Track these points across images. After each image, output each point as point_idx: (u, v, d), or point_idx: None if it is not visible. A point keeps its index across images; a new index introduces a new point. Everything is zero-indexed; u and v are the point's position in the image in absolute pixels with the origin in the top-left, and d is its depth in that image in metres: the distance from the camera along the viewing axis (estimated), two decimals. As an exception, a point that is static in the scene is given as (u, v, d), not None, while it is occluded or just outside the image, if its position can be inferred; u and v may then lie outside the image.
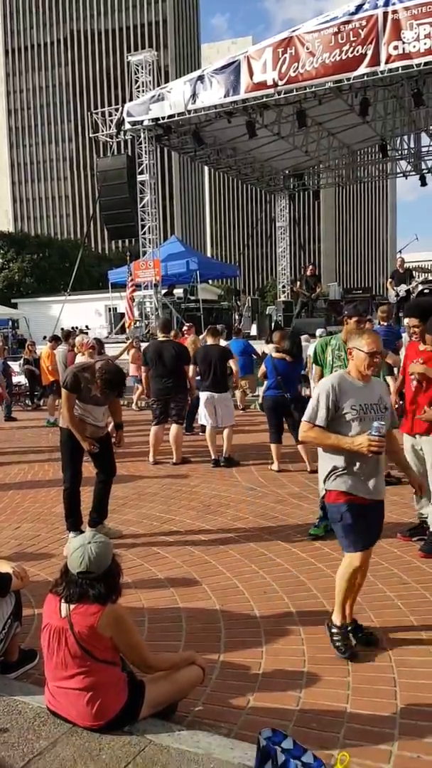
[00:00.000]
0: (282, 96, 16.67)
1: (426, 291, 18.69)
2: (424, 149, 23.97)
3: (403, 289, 16.39)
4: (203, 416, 8.39)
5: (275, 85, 16.28)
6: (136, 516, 6.16)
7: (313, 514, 6.08)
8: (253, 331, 17.78)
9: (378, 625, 3.88)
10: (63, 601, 2.75)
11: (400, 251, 20.91)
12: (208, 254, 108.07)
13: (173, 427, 8.41)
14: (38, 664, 3.47)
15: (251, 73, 16.54)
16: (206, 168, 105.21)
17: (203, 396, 8.33)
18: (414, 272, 18.12)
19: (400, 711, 3.03)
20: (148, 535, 5.65)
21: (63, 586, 2.78)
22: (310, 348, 11.63)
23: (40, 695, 3.02)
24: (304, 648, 3.66)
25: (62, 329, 20.15)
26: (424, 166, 24.18)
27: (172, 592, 4.48)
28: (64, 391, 5.19)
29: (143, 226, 19.21)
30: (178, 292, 21.52)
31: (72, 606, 2.72)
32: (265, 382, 7.90)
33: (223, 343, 9.90)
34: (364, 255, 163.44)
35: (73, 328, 21.52)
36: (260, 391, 12.72)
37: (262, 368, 7.98)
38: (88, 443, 5.29)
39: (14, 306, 38.70)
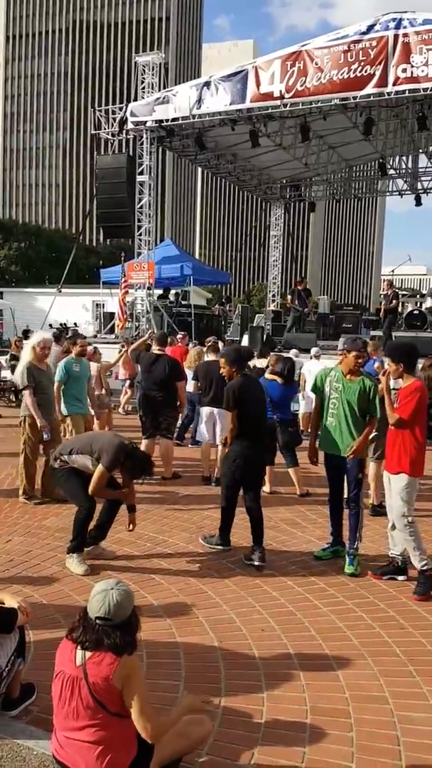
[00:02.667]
0: (287, 108, 16.65)
1: (415, 312, 18.89)
2: (421, 170, 24.12)
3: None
4: (201, 433, 8.33)
5: (282, 97, 16.24)
6: (129, 535, 6.05)
7: (307, 543, 6.07)
8: (245, 341, 17.71)
9: (379, 674, 3.86)
10: (79, 648, 2.68)
11: (392, 271, 21.04)
12: (197, 256, 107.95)
13: (163, 442, 8.34)
14: (37, 699, 3.41)
15: (258, 84, 16.49)
16: (200, 170, 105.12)
17: (205, 412, 8.27)
18: (399, 294, 18.26)
19: (406, 774, 3.01)
20: (142, 557, 5.58)
21: (80, 631, 2.71)
22: (303, 366, 11.65)
23: (44, 739, 2.95)
24: (305, 696, 3.62)
25: (50, 326, 19.97)
26: (420, 186, 24.34)
27: (170, 623, 4.42)
28: (101, 468, 5.04)
29: (139, 227, 19.06)
30: (170, 295, 21.41)
31: (88, 654, 2.65)
32: None
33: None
34: (350, 266, 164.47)
35: (61, 324, 21.31)
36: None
37: None
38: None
39: (-1, 295, 38.24)
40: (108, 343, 17.15)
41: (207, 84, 17.34)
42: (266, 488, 7.74)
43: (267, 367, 12.61)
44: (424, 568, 4.98)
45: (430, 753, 3.17)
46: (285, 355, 10.66)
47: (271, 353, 10.47)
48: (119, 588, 2.73)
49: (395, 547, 5.28)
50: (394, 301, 16.82)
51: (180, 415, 9.13)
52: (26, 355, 7.20)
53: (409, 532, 4.99)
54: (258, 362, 12.77)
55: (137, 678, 2.70)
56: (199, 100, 17.31)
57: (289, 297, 18.77)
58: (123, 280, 18.19)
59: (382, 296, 17.48)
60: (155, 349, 8.64)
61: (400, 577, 5.23)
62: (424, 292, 22.51)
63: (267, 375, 8.01)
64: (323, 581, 5.20)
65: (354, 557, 5.40)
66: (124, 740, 2.67)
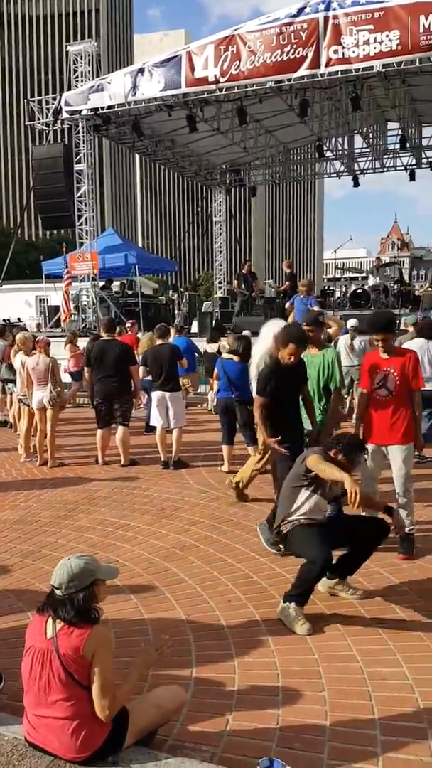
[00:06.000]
0: (223, 93, 16.62)
1: (359, 291, 19.17)
2: (357, 151, 24.43)
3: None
4: (154, 417, 8.27)
5: (217, 81, 16.19)
6: (90, 521, 6.01)
7: (266, 516, 6.10)
8: (194, 328, 17.72)
9: (346, 634, 3.91)
10: (49, 620, 2.65)
11: (335, 252, 21.29)
12: (139, 245, 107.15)
13: (119, 430, 8.26)
14: (4, 687, 3.33)
15: (192, 69, 16.40)
16: (138, 158, 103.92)
17: (155, 396, 8.21)
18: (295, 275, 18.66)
19: (380, 727, 3.05)
20: (105, 541, 5.51)
21: (45, 602, 2.72)
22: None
23: (14, 725, 2.89)
24: (275, 661, 3.64)
25: (-6, 321, 19.54)
26: (356, 167, 24.65)
27: (136, 602, 4.39)
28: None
29: (80, 217, 18.79)
30: (116, 285, 21.19)
31: (59, 626, 2.62)
32: (216, 384, 7.83)
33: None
34: (293, 250, 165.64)
35: (4, 320, 20.85)
36: (212, 393, 12.72)
37: (216, 370, 7.94)
38: None
39: None
40: (54, 336, 16.87)
41: (141, 70, 17.18)
42: (224, 468, 7.77)
43: (218, 351, 12.72)
44: (411, 530, 5.11)
45: (401, 705, 3.22)
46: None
47: (230, 333, 10.38)
48: (79, 558, 2.72)
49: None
50: (288, 282, 17.30)
51: (135, 400, 9.02)
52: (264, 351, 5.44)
53: (410, 497, 5.09)
54: (208, 347, 12.83)
55: (106, 653, 2.66)
56: (134, 87, 17.14)
57: (235, 282, 18.79)
58: (66, 271, 17.89)
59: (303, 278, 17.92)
60: (104, 335, 8.53)
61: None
62: (366, 273, 22.85)
63: (224, 354, 7.97)
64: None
65: None
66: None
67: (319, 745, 2.92)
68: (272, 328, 5.38)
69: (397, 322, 7.60)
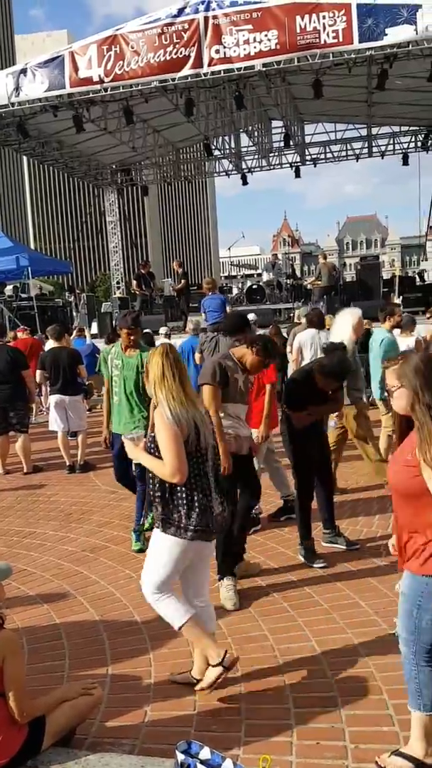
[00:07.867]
0: (108, 93, 16.53)
1: (255, 287, 19.65)
2: (243, 149, 24.89)
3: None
4: (54, 421, 8.14)
5: (101, 81, 16.10)
6: (-6, 533, 5.87)
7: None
8: (94, 329, 17.56)
9: (257, 615, 4.05)
10: None
11: (229, 249, 21.66)
12: (32, 248, 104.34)
13: (19, 437, 8.08)
14: None
15: (76, 69, 16.22)
16: (25, 160, 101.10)
17: (53, 399, 8.08)
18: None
19: (293, 700, 3.18)
20: (11, 551, 5.40)
21: None
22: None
23: None
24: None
25: None
26: (244, 166, 25.12)
27: (47, 608, 4.35)
28: None
29: (-34, 222, 18.17)
30: (8, 289, 20.60)
31: None
32: None
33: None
34: (189, 249, 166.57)
35: None
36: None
37: None
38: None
39: None
40: None
41: (24, 71, 16.81)
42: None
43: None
44: (288, 496, 5.69)
45: (311, 677, 3.37)
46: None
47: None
48: None
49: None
50: (183, 281, 17.65)
51: (34, 406, 8.85)
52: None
53: (274, 469, 5.89)
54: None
55: (17, 656, 2.67)
56: (17, 88, 16.76)
57: (134, 282, 18.77)
58: None
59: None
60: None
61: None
62: (260, 270, 23.41)
63: None
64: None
65: (140, 533, 5.33)
66: (14, 720, 2.61)
67: (235, 725, 3.02)
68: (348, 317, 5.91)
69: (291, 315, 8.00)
